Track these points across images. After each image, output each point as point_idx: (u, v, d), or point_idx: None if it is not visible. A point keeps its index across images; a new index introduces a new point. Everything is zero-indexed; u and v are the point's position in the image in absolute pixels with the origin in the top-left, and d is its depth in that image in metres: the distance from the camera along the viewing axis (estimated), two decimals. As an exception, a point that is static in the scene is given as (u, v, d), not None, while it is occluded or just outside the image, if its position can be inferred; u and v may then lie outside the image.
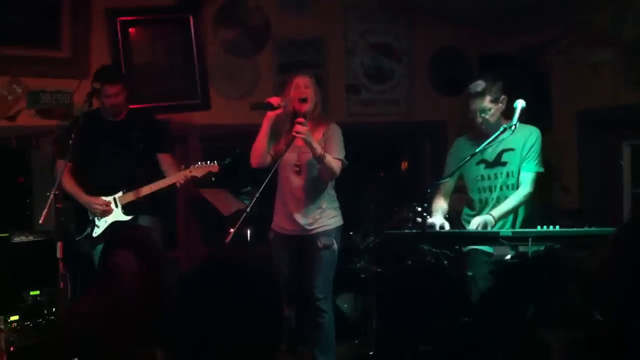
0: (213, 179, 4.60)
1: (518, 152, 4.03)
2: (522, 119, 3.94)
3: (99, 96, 4.48)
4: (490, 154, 4.07)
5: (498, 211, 3.95)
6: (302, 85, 4.20)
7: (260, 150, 4.18)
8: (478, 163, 4.09)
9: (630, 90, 4.73)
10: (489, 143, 3.92)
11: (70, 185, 4.54)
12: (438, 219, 4.06)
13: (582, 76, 5.28)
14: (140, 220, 4.54)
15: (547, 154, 4.98)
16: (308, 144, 4.02)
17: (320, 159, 4.07)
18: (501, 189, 4.08)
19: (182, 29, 5.64)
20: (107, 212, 4.53)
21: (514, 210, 4.01)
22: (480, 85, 3.99)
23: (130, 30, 5.54)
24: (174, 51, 5.68)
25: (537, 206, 4.23)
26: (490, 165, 4.10)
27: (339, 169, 4.17)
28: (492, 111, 3.99)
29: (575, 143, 5.40)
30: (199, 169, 4.43)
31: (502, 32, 5.92)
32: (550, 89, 5.59)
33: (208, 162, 4.44)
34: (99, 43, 5.45)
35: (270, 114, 4.12)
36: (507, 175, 4.07)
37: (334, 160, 4.13)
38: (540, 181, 4.08)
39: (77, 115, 4.78)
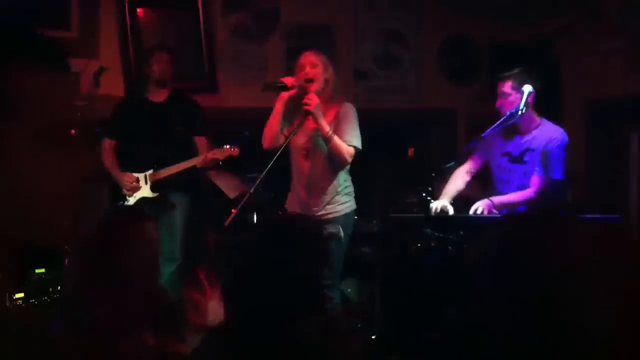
0: (220, 162, 4.61)
1: (537, 153, 3.99)
2: (537, 109, 3.92)
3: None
4: (516, 149, 4.05)
5: (499, 199, 3.94)
6: (308, 64, 4.00)
7: (273, 132, 4.01)
8: (503, 154, 4.07)
9: (639, 80, 4.70)
10: (496, 126, 3.91)
11: (108, 161, 4.80)
12: (441, 202, 4.03)
13: (591, 66, 5.26)
14: (168, 198, 4.74)
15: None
16: (315, 119, 3.84)
17: (327, 139, 3.87)
18: (517, 187, 4.05)
19: (190, 11, 5.62)
20: (135, 188, 4.70)
21: (513, 207, 3.98)
22: (508, 69, 3.99)
23: (139, 11, 5.54)
24: (182, 34, 5.67)
25: None
26: (513, 160, 4.07)
27: (349, 156, 3.94)
28: (511, 97, 3.96)
29: (584, 133, 5.37)
30: (220, 152, 4.52)
31: (512, 21, 5.89)
32: (559, 79, 5.56)
33: (229, 146, 4.50)
34: (108, 24, 5.46)
35: (284, 95, 3.96)
36: (524, 174, 4.03)
37: (344, 144, 3.91)
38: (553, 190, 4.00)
39: (123, 97, 5.16)
